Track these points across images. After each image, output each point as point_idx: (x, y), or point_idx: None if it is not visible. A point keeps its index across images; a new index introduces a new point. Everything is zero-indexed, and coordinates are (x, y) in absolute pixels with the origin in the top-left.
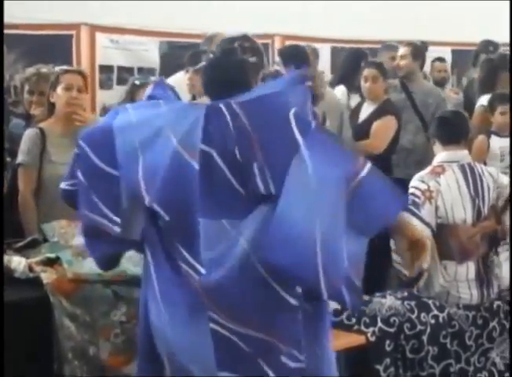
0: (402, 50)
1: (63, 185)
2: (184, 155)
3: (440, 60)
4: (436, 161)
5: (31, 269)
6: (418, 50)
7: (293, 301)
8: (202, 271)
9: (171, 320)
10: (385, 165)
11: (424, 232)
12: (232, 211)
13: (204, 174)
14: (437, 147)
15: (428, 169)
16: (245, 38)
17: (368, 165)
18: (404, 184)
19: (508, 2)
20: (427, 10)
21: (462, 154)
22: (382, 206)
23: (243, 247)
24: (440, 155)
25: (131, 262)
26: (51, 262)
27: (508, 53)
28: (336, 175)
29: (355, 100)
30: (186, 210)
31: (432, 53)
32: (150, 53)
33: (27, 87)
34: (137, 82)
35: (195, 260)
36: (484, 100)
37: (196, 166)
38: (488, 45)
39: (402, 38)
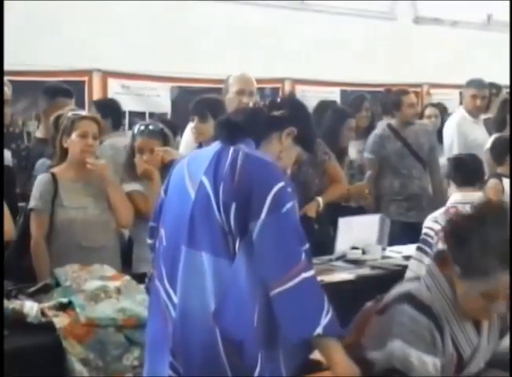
0: (414, 96)
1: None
2: (188, 185)
3: (433, 105)
4: (450, 202)
5: (43, 313)
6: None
7: None
8: (171, 308)
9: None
10: None
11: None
12: (212, 246)
13: (197, 204)
14: (452, 188)
15: (442, 209)
16: (283, 98)
17: (300, 277)
18: (420, 228)
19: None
20: (431, 55)
21: (477, 196)
22: (298, 322)
23: (209, 299)
24: (455, 196)
25: (143, 306)
26: (63, 307)
27: None
28: (260, 276)
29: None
30: (178, 237)
31: (439, 95)
32: (161, 99)
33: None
34: (141, 128)
35: (174, 293)
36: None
37: (193, 195)
38: (491, 88)
39: (413, 81)
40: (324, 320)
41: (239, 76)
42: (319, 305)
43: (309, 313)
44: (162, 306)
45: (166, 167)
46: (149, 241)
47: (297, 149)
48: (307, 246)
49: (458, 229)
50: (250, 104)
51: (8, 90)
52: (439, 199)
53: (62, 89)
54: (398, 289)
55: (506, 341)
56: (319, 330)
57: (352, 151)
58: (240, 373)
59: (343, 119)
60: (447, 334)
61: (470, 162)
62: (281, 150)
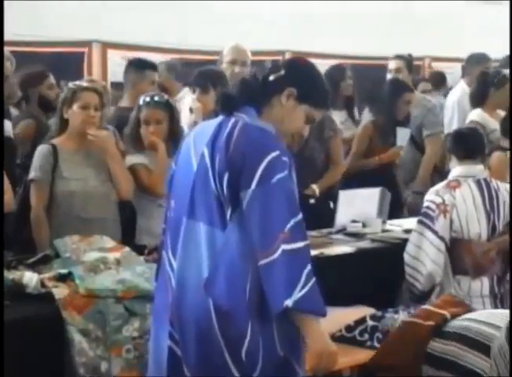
0: (396, 64)
1: None
2: (192, 157)
3: (426, 80)
4: (451, 175)
5: (43, 284)
6: (410, 63)
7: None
8: (172, 278)
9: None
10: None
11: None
12: (208, 216)
13: (198, 175)
14: (453, 162)
15: (443, 183)
16: (283, 62)
17: (280, 250)
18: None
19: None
20: (433, 28)
21: (478, 169)
22: (274, 294)
23: (204, 269)
24: (456, 169)
25: (143, 277)
26: (63, 278)
27: (504, 70)
28: (247, 246)
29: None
30: (181, 208)
31: (441, 69)
32: None
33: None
34: (146, 99)
35: (175, 262)
36: (474, 114)
37: (195, 166)
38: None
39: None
40: (298, 293)
41: (232, 46)
42: (294, 278)
43: (281, 286)
44: (166, 277)
45: (172, 138)
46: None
47: (304, 108)
48: (299, 217)
49: None
50: (245, 73)
51: (10, 65)
52: (422, 177)
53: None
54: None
55: None
56: (288, 302)
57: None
58: (232, 342)
59: (400, 93)
60: None
61: (471, 136)
62: (283, 113)
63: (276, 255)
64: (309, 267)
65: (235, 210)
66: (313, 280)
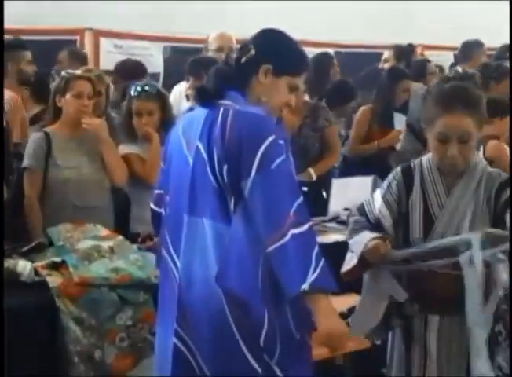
0: (386, 54)
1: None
2: (186, 152)
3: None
4: None
5: (36, 272)
6: (402, 52)
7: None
8: (177, 276)
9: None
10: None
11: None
12: (211, 211)
13: (195, 170)
14: None
15: None
16: (250, 39)
17: (289, 234)
18: None
19: (507, 4)
20: (424, 16)
21: None
22: (289, 279)
23: (211, 264)
24: None
25: (136, 266)
26: (57, 266)
27: (505, 63)
28: (254, 234)
29: None
30: (180, 204)
31: (432, 57)
32: (154, 58)
33: None
34: (138, 89)
35: (178, 260)
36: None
37: (191, 161)
38: (507, 51)
39: (406, 41)
40: (312, 276)
41: (217, 34)
42: (306, 261)
43: (295, 271)
44: (170, 274)
45: (165, 127)
46: (152, 206)
47: (284, 80)
48: (301, 199)
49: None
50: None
51: None
52: None
53: None
54: None
55: None
56: (305, 286)
57: None
58: (249, 332)
59: (398, 80)
60: (416, 180)
61: None
62: (266, 91)
63: (285, 239)
64: (316, 248)
65: (238, 201)
66: (322, 260)
